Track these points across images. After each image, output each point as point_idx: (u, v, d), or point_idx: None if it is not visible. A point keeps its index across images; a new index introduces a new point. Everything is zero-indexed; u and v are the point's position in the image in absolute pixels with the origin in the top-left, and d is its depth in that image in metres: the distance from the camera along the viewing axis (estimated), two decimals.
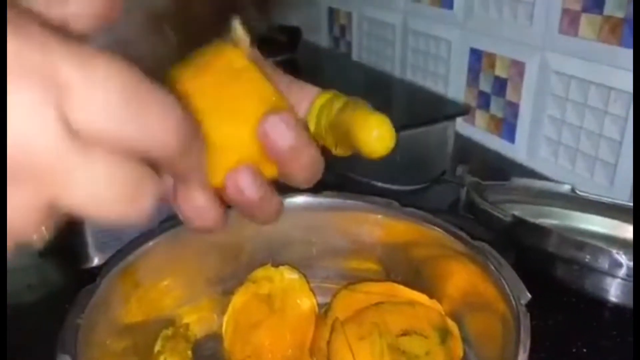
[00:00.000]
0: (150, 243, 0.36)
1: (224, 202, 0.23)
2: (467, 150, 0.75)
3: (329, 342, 0.37)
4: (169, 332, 0.38)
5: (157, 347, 0.37)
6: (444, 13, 0.78)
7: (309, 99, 0.26)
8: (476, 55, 0.74)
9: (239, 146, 0.22)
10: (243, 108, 0.22)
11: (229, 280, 0.41)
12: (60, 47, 0.14)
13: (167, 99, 0.16)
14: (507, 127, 0.71)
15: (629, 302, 0.44)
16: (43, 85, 0.14)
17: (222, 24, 0.19)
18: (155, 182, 0.16)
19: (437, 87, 0.82)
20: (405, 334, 0.36)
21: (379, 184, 0.59)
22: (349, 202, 0.42)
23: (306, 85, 0.26)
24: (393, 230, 0.41)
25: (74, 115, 0.14)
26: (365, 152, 0.23)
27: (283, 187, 0.26)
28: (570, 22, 0.60)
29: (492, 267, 0.35)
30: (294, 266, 0.41)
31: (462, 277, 0.38)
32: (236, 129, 0.22)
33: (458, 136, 0.76)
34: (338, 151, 0.26)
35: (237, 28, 0.21)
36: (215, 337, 0.40)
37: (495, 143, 0.73)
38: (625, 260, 0.42)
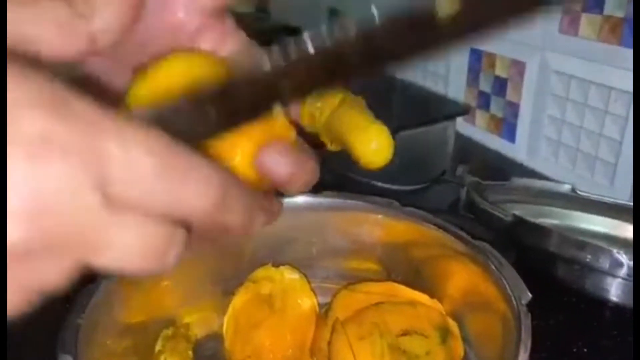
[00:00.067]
0: None
1: None
2: (467, 150, 0.75)
3: (329, 342, 0.37)
4: (169, 332, 0.38)
5: (157, 347, 0.37)
6: None
7: None
8: (476, 55, 0.74)
9: (235, 171, 0.21)
10: (241, 135, 0.21)
11: (229, 280, 0.41)
12: (100, 121, 0.15)
13: (205, 169, 0.17)
14: (507, 127, 0.71)
15: (629, 301, 0.44)
16: (83, 160, 0.14)
17: (264, 108, 0.19)
18: (184, 237, 0.17)
19: (437, 87, 0.82)
20: (405, 333, 0.36)
21: (379, 184, 0.59)
22: (349, 202, 0.42)
23: None
24: (393, 230, 0.41)
25: (112, 186, 0.15)
26: (362, 163, 0.23)
27: None
28: (570, 22, 0.60)
29: (493, 267, 0.35)
30: (295, 266, 0.41)
31: (463, 276, 0.38)
32: (233, 156, 0.21)
33: (458, 136, 0.76)
34: (333, 147, 0.25)
35: (279, 116, 0.22)
36: (215, 337, 0.40)
37: (495, 143, 0.73)
38: (625, 260, 0.42)
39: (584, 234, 0.51)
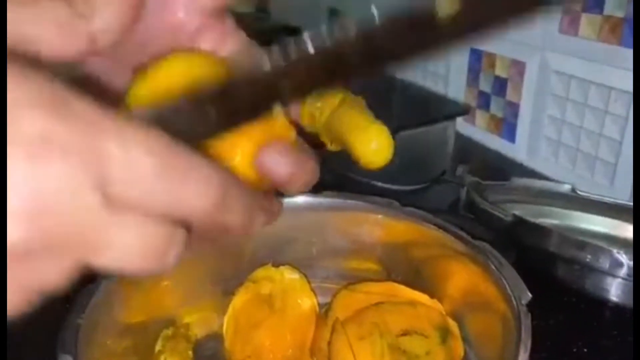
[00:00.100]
0: None
1: None
2: (467, 150, 0.75)
3: (329, 342, 0.37)
4: (169, 332, 0.38)
5: (157, 347, 0.37)
6: None
7: None
8: (476, 55, 0.74)
9: (235, 171, 0.21)
10: (241, 135, 0.21)
11: (229, 280, 0.41)
12: (100, 120, 0.15)
13: (205, 169, 0.17)
14: (507, 127, 0.71)
15: (629, 301, 0.44)
16: (83, 160, 0.14)
17: (264, 108, 0.19)
18: (184, 237, 0.17)
19: (437, 87, 0.82)
20: (405, 333, 0.36)
21: (379, 184, 0.59)
22: (349, 202, 0.42)
23: None
24: (393, 230, 0.41)
25: (112, 187, 0.15)
26: (362, 163, 0.23)
27: None
28: (570, 21, 0.60)
29: (493, 267, 0.35)
30: (295, 266, 0.41)
31: (463, 276, 0.38)
32: (233, 156, 0.21)
33: (458, 136, 0.76)
34: (333, 147, 0.25)
35: (279, 116, 0.22)
36: (215, 337, 0.40)
37: (495, 143, 0.73)
38: (625, 260, 0.42)
39: (584, 234, 0.51)
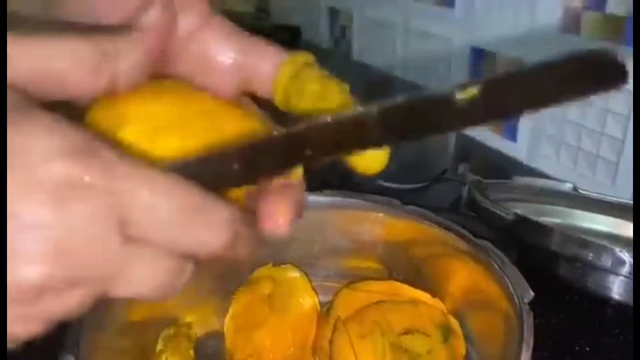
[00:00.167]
0: None
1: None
2: (468, 149, 0.75)
3: (331, 341, 0.36)
4: (170, 331, 0.38)
5: (159, 346, 0.37)
6: (445, 12, 0.78)
7: (272, 63, 0.23)
8: (477, 54, 0.74)
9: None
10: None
11: (230, 280, 0.41)
12: (124, 167, 0.16)
13: (221, 213, 0.18)
14: (508, 126, 0.71)
15: (631, 299, 0.44)
16: (106, 205, 0.15)
17: (287, 168, 0.20)
18: (192, 268, 0.18)
19: (439, 87, 0.82)
20: (407, 332, 0.36)
21: (380, 183, 0.59)
22: (350, 200, 0.42)
23: (268, 47, 0.23)
24: (394, 228, 0.41)
25: (133, 228, 0.16)
26: (357, 171, 0.22)
27: None
28: (571, 20, 0.60)
29: (495, 266, 0.35)
30: (296, 265, 0.41)
31: (465, 275, 0.38)
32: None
33: (459, 135, 0.76)
34: None
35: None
36: (216, 336, 0.40)
37: (496, 142, 0.73)
38: (628, 258, 0.42)
39: (586, 233, 0.50)
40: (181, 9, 0.21)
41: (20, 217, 0.15)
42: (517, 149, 0.70)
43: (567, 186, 0.56)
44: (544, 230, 0.46)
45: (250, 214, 0.21)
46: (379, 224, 0.41)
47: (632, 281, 0.43)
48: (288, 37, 1.08)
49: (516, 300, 0.32)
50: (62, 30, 0.18)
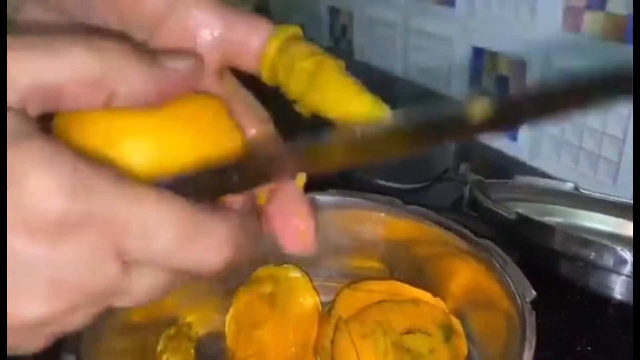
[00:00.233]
0: None
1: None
2: (469, 148, 0.74)
3: (332, 341, 0.36)
4: (171, 331, 0.38)
5: (159, 346, 0.37)
6: (446, 11, 0.78)
7: (259, 37, 0.22)
8: (478, 53, 0.74)
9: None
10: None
11: (231, 279, 0.41)
12: (119, 196, 0.15)
13: (221, 232, 0.18)
14: None
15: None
16: (102, 238, 0.15)
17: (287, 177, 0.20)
18: (187, 278, 0.19)
19: (439, 86, 0.82)
20: (409, 332, 0.36)
21: (382, 182, 0.59)
22: (351, 200, 0.42)
23: (254, 20, 0.22)
24: (396, 228, 0.41)
25: (131, 254, 0.16)
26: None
27: None
28: (573, 19, 0.60)
29: (497, 265, 0.34)
30: (297, 265, 0.41)
31: (466, 275, 0.38)
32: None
33: None
34: (303, 110, 0.22)
35: None
36: (217, 336, 0.40)
37: (498, 141, 0.73)
38: (629, 258, 0.42)
39: (588, 232, 0.50)
40: None
41: (17, 255, 0.15)
42: (519, 149, 0.70)
43: (569, 186, 0.56)
44: (545, 229, 0.46)
45: (250, 214, 0.20)
46: (380, 224, 0.41)
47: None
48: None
49: (518, 300, 0.32)
50: (67, 32, 0.17)
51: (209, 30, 0.21)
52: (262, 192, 0.23)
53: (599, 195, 0.54)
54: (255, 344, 0.38)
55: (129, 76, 0.17)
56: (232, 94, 0.23)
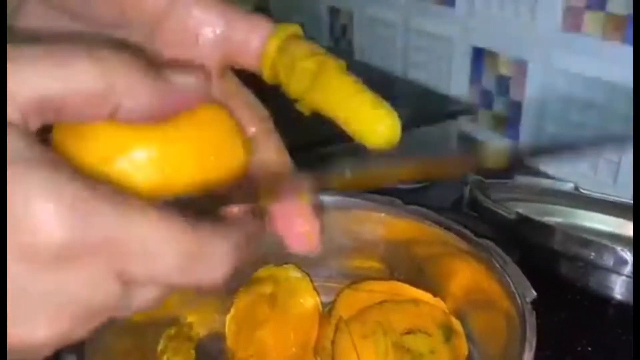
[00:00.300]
0: None
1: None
2: (470, 148, 0.74)
3: (333, 341, 0.36)
4: (172, 331, 0.38)
5: (160, 347, 0.37)
6: (446, 11, 0.78)
7: (260, 36, 0.21)
8: (478, 53, 0.74)
9: None
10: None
11: (232, 280, 0.40)
12: (120, 217, 0.15)
13: (223, 248, 0.18)
14: (510, 126, 0.71)
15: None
16: (104, 262, 0.15)
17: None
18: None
19: (440, 86, 0.82)
20: (409, 332, 0.36)
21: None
22: (351, 200, 0.42)
23: (255, 19, 0.22)
24: (396, 228, 0.41)
25: (131, 273, 0.16)
26: (365, 144, 0.20)
27: None
28: (573, 19, 0.60)
29: (497, 265, 0.34)
30: (297, 265, 0.41)
31: (466, 275, 0.38)
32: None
33: (461, 135, 0.76)
34: (304, 109, 0.22)
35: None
36: (218, 337, 0.40)
37: (498, 141, 0.73)
38: (630, 258, 0.42)
39: (588, 232, 0.50)
40: None
41: (17, 282, 0.15)
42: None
43: (569, 186, 0.56)
44: (545, 229, 0.46)
45: (252, 222, 0.20)
46: (380, 224, 0.41)
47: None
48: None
49: (518, 300, 0.32)
50: (74, 41, 0.17)
51: (210, 29, 0.21)
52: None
53: (599, 195, 0.54)
54: (256, 344, 0.38)
55: (134, 90, 0.17)
56: (233, 93, 0.23)
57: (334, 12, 1.08)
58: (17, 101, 0.15)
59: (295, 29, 0.22)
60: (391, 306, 0.38)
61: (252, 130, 0.23)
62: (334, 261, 0.43)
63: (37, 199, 0.14)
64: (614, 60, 0.56)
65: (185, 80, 0.18)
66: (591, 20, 0.58)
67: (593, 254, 0.43)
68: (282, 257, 0.41)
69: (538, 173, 0.66)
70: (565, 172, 0.63)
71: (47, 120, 0.17)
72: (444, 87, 0.81)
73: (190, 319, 0.40)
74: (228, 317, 0.39)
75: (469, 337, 0.37)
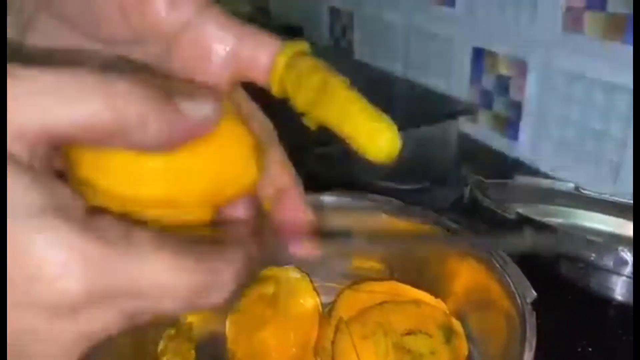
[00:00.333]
0: None
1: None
2: (470, 149, 0.75)
3: (333, 342, 0.36)
4: (172, 332, 0.38)
5: (160, 347, 0.37)
6: (446, 11, 0.78)
7: (269, 53, 0.22)
8: (479, 53, 0.74)
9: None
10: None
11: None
12: (129, 262, 0.16)
13: (226, 277, 0.18)
14: (510, 126, 0.71)
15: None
16: (115, 302, 0.16)
17: None
18: None
19: (440, 86, 0.82)
20: (409, 333, 0.36)
21: (382, 183, 0.59)
22: (352, 200, 0.42)
23: (264, 36, 0.22)
24: (396, 229, 0.41)
25: (141, 312, 0.17)
26: (366, 156, 0.21)
27: None
28: (573, 19, 0.60)
29: (497, 265, 0.34)
30: (297, 266, 0.41)
31: (466, 275, 0.38)
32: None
33: (461, 135, 0.76)
34: (311, 123, 0.23)
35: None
36: (218, 337, 0.40)
37: (498, 142, 0.73)
38: (630, 258, 0.42)
39: (588, 233, 0.50)
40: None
41: (20, 323, 0.15)
42: (519, 149, 0.70)
43: (569, 186, 0.56)
44: (546, 230, 0.46)
45: (253, 241, 0.21)
46: (380, 224, 0.41)
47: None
48: (288, 37, 1.08)
49: (518, 300, 0.32)
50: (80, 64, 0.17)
51: (222, 46, 0.22)
52: (267, 198, 0.23)
53: (599, 195, 0.54)
54: (256, 345, 0.38)
55: (144, 125, 0.17)
56: (239, 105, 0.23)
57: (334, 12, 1.08)
58: (26, 137, 0.15)
59: (301, 46, 0.23)
60: (391, 307, 0.38)
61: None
62: (334, 262, 0.43)
63: (50, 252, 0.15)
64: (614, 60, 0.56)
65: (196, 111, 0.18)
66: (591, 20, 0.58)
67: (593, 254, 0.43)
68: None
69: (538, 173, 0.66)
70: (565, 172, 0.64)
71: (56, 146, 0.17)
72: (444, 87, 0.81)
73: (190, 319, 0.40)
74: (228, 318, 0.39)
75: (469, 338, 0.37)
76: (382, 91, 0.84)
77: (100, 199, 0.18)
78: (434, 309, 0.38)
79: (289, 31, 1.13)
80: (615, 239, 0.50)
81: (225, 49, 0.22)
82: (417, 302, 0.38)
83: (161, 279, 0.16)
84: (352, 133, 0.21)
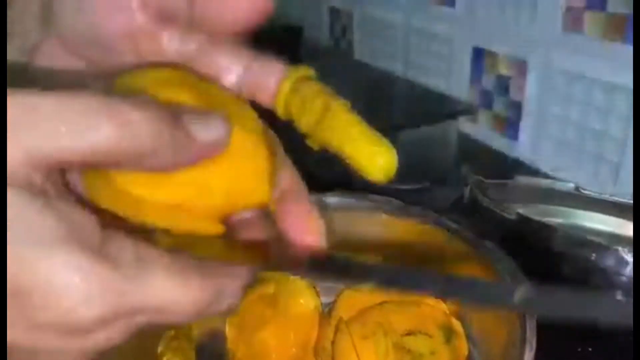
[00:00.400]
0: None
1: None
2: (470, 148, 0.75)
3: (333, 342, 0.36)
4: (172, 332, 0.38)
5: (160, 347, 0.37)
6: (446, 11, 0.78)
7: (275, 78, 0.23)
8: (478, 53, 0.74)
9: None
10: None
11: None
12: (140, 285, 0.17)
13: (231, 292, 0.19)
14: (510, 126, 0.71)
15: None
16: (128, 320, 0.17)
17: None
18: None
19: (440, 86, 0.82)
20: (409, 333, 0.36)
21: (382, 183, 0.59)
22: (352, 201, 0.42)
23: (270, 62, 0.23)
24: (396, 228, 0.41)
25: (149, 325, 0.18)
26: (365, 175, 0.22)
27: None
28: (573, 19, 0.60)
29: (497, 266, 0.34)
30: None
31: (466, 275, 0.38)
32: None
33: (461, 135, 0.76)
34: (314, 145, 0.24)
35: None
36: (218, 337, 0.40)
37: (498, 142, 0.73)
38: (630, 258, 0.42)
39: (589, 233, 0.50)
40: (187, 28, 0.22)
41: (35, 343, 0.16)
42: (519, 149, 0.70)
43: (569, 186, 0.56)
44: (546, 230, 0.46)
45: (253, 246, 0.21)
46: (380, 225, 0.41)
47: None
48: (289, 37, 1.08)
49: None
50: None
51: (229, 72, 0.23)
52: (271, 201, 0.23)
53: (599, 195, 0.54)
54: (256, 345, 0.38)
55: (154, 150, 0.17)
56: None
57: (334, 12, 1.08)
58: (40, 165, 0.16)
59: (306, 71, 0.24)
60: (391, 307, 0.38)
61: None
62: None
63: (69, 280, 0.15)
64: (614, 60, 0.56)
65: (207, 132, 0.18)
66: (591, 20, 0.58)
67: (594, 254, 0.43)
68: None
69: (538, 173, 0.66)
70: (565, 172, 0.64)
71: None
72: (444, 87, 0.81)
73: None
74: (228, 318, 0.39)
75: (469, 338, 0.37)
76: (382, 91, 0.84)
77: (114, 198, 0.19)
78: (434, 309, 0.38)
79: (289, 31, 1.13)
80: (615, 239, 0.50)
81: (234, 76, 0.23)
82: (417, 303, 0.38)
83: (170, 296, 0.17)
84: (353, 154, 0.22)
